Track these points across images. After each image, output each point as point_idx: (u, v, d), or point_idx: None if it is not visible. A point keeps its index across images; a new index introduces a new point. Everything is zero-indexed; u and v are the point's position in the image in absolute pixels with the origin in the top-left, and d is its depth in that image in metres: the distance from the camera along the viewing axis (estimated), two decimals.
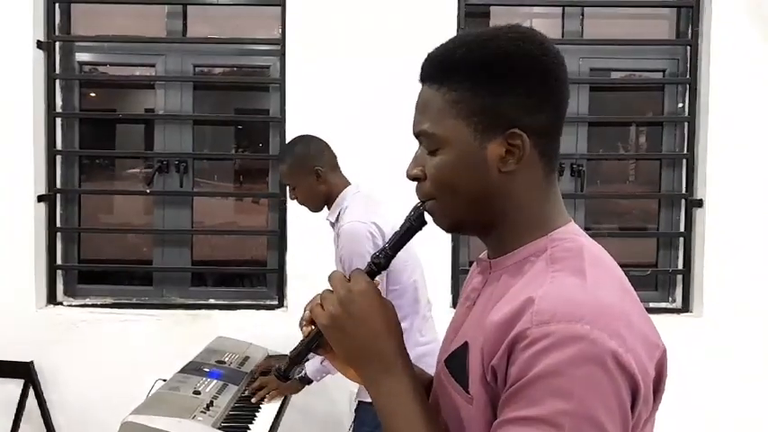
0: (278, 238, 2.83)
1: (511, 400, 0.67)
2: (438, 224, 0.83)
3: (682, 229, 2.87)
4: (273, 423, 1.89)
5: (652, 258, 2.97)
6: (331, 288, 0.82)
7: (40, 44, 2.72)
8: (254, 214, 3.34)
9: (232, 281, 3.10)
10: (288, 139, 2.47)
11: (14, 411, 2.63)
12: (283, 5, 2.70)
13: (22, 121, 2.69)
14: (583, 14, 2.89)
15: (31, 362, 2.69)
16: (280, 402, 2.01)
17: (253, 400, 1.98)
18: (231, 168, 3.33)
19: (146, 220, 3.10)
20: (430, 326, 2.05)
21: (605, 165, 3.21)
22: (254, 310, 2.79)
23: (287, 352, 0.90)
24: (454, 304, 2.65)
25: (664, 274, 2.92)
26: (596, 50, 2.88)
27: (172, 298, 2.90)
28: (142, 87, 3.12)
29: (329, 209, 2.08)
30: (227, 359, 2.19)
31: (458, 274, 2.74)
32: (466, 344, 0.78)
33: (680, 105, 2.88)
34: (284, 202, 2.71)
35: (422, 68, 0.81)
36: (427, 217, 0.83)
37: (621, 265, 0.79)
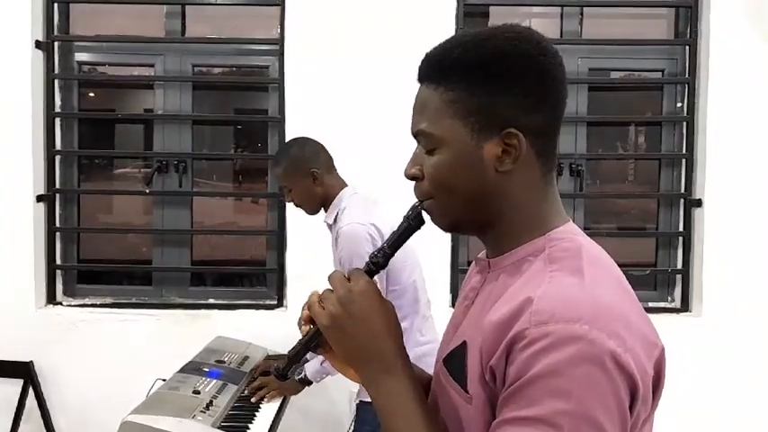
0: (277, 238, 2.83)
1: (509, 399, 0.67)
2: (436, 223, 0.83)
3: (681, 228, 2.87)
4: (273, 423, 1.90)
5: (651, 258, 2.97)
6: (331, 288, 0.82)
7: (38, 44, 2.72)
8: (254, 214, 3.34)
9: (231, 281, 3.10)
10: (287, 139, 2.48)
11: (14, 411, 2.63)
12: (282, 5, 2.70)
13: (21, 121, 2.69)
14: (582, 14, 2.89)
15: (31, 362, 2.69)
16: (279, 402, 2.01)
17: (252, 400, 1.98)
18: (230, 168, 3.32)
19: (145, 220, 3.09)
20: (430, 325, 2.05)
21: (604, 164, 3.21)
22: (253, 310, 2.79)
23: (286, 352, 0.90)
24: (453, 304, 2.64)
25: (663, 273, 2.92)
26: (595, 50, 2.88)
27: (171, 298, 2.90)
28: (141, 87, 3.11)
29: (326, 211, 2.08)
30: (226, 359, 2.19)
31: (457, 274, 2.74)
32: (464, 343, 0.78)
33: (679, 105, 2.88)
34: (283, 202, 2.71)
35: (419, 68, 0.81)
36: (425, 216, 0.83)
37: (620, 265, 0.79)
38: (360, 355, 0.81)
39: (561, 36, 2.88)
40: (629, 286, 0.76)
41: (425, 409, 0.79)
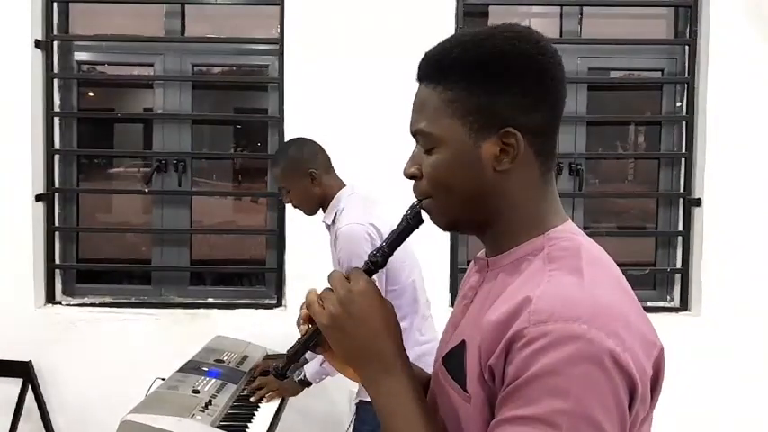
0: (277, 238, 2.83)
1: (508, 399, 0.67)
2: (435, 222, 0.83)
3: (680, 228, 2.87)
4: (272, 422, 1.90)
5: (650, 257, 2.97)
6: (330, 287, 0.82)
7: (38, 43, 2.72)
8: (253, 213, 3.34)
9: (231, 280, 3.10)
10: (286, 139, 2.48)
11: (13, 411, 2.62)
12: (282, 5, 2.70)
13: (20, 120, 2.69)
14: (581, 14, 2.89)
15: (30, 361, 2.69)
16: (278, 402, 2.01)
17: (252, 400, 1.98)
18: (230, 168, 3.32)
19: (144, 220, 3.09)
20: (429, 325, 2.05)
21: (604, 164, 3.21)
22: (252, 310, 2.79)
23: (285, 351, 0.90)
24: (453, 303, 2.65)
25: (662, 272, 2.92)
26: (595, 50, 2.88)
27: (170, 297, 2.90)
28: (141, 87, 3.11)
29: (324, 211, 2.08)
30: (225, 358, 2.20)
31: (456, 273, 2.74)
32: (463, 342, 0.78)
33: (678, 105, 2.88)
34: (283, 202, 2.71)
35: (419, 68, 0.81)
36: (424, 215, 0.83)
37: (620, 264, 0.79)
38: (359, 355, 0.81)
39: (561, 35, 2.88)
40: (629, 286, 0.76)
41: (425, 409, 0.79)
